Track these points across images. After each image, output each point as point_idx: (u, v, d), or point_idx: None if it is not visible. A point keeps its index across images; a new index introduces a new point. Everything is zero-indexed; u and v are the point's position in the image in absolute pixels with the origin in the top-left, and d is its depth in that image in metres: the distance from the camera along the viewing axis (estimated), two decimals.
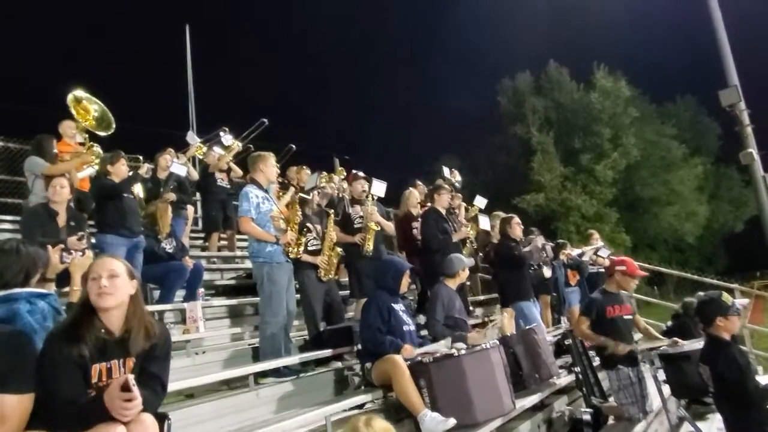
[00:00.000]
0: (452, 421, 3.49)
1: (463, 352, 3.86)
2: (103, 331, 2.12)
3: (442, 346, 4.11)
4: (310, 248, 5.25)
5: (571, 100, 27.55)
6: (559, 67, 28.31)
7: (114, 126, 6.54)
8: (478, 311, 7.89)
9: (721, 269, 29.73)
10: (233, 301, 5.98)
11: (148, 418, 2.04)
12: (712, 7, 9.50)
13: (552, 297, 7.56)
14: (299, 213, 5.05)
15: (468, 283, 8.37)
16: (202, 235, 8.78)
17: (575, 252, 7.85)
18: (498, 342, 4.27)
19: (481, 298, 8.33)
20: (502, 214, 7.30)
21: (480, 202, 8.20)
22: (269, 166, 4.99)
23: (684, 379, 4.18)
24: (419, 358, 3.89)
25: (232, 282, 6.88)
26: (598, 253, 8.00)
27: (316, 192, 5.70)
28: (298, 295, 5.35)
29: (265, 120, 7.83)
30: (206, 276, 6.95)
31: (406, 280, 4.49)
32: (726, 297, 3.51)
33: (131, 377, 1.90)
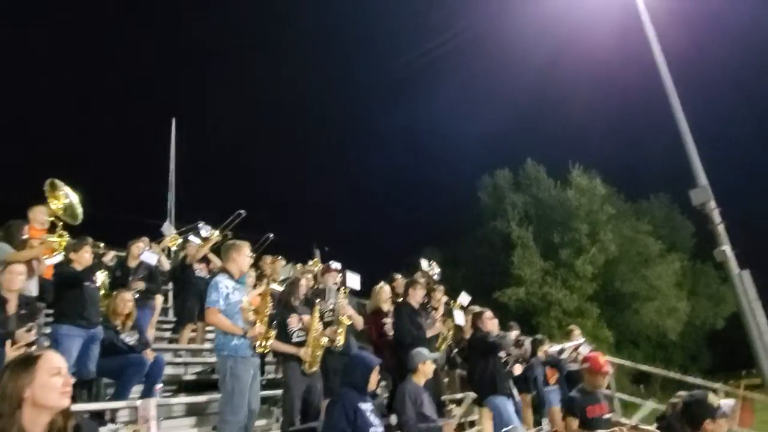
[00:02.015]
0: None
1: None
2: None
3: None
4: (295, 339, 5.10)
5: (549, 197, 28.28)
6: (536, 164, 29.38)
7: (81, 218, 6.46)
8: (456, 410, 7.53)
9: (706, 367, 29.30)
10: (195, 399, 5.63)
11: None
12: (676, 110, 10.04)
13: (532, 396, 7.28)
14: (270, 305, 4.90)
15: (446, 380, 8.08)
16: (172, 326, 8.49)
17: (554, 349, 7.65)
18: None
19: (459, 396, 7.98)
20: (477, 309, 7.18)
21: (464, 299, 8.05)
22: (242, 255, 4.90)
23: None
24: None
25: (194, 377, 6.53)
26: (579, 350, 7.78)
27: (304, 280, 5.61)
28: (264, 392, 5.09)
29: (242, 211, 7.86)
30: (171, 370, 6.62)
31: (375, 377, 4.28)
32: (713, 398, 3.37)
33: None
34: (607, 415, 4.53)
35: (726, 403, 3.35)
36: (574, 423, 4.45)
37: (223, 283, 4.59)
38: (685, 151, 9.79)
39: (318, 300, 5.46)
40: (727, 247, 9.22)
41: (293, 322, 5.16)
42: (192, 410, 5.58)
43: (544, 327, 23.91)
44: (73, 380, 4.61)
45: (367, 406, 4.14)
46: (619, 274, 26.48)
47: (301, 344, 5.07)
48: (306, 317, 5.27)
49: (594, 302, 25.51)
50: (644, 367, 14.62)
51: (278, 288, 5.24)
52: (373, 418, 4.09)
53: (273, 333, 4.80)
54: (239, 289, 4.72)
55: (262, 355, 4.85)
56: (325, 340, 5.16)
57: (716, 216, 9.44)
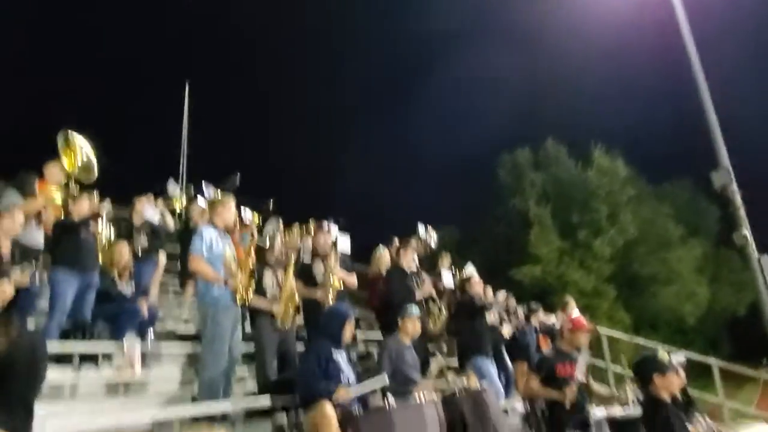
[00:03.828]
0: None
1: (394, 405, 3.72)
2: None
3: (377, 383, 3.95)
4: (268, 295, 5.20)
5: (569, 176, 27.88)
6: (556, 144, 28.89)
7: (96, 173, 6.60)
8: (450, 376, 7.59)
9: (726, 354, 28.77)
10: (182, 345, 5.79)
11: None
12: (702, 90, 9.71)
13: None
14: (253, 258, 5.02)
15: (446, 348, 8.13)
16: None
17: (548, 319, 7.68)
18: (437, 400, 4.11)
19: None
20: (466, 275, 7.18)
21: (470, 270, 7.98)
22: (227, 209, 5.02)
23: None
24: (349, 408, 3.76)
25: (192, 332, 6.73)
26: None
27: (280, 238, 5.70)
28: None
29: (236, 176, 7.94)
30: (171, 325, 6.86)
31: (350, 329, 4.39)
32: (662, 354, 3.41)
33: None
34: (578, 378, 4.51)
35: (676, 358, 3.39)
36: (535, 380, 4.47)
37: (208, 232, 4.73)
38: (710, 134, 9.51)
39: (294, 257, 5.53)
40: (746, 231, 9.02)
41: (267, 278, 5.26)
42: (186, 359, 5.73)
43: (560, 307, 23.77)
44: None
45: (341, 356, 4.26)
46: (638, 256, 26.05)
47: (273, 300, 5.17)
48: (281, 274, 5.36)
49: (611, 283, 25.21)
50: (661, 348, 14.48)
51: (261, 245, 5.35)
52: (345, 367, 4.21)
53: (253, 285, 4.92)
54: (224, 240, 4.84)
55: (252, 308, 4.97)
56: (297, 297, 5.27)
57: (737, 199, 9.20)
